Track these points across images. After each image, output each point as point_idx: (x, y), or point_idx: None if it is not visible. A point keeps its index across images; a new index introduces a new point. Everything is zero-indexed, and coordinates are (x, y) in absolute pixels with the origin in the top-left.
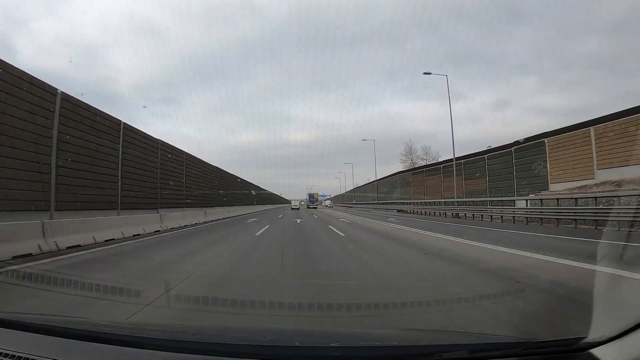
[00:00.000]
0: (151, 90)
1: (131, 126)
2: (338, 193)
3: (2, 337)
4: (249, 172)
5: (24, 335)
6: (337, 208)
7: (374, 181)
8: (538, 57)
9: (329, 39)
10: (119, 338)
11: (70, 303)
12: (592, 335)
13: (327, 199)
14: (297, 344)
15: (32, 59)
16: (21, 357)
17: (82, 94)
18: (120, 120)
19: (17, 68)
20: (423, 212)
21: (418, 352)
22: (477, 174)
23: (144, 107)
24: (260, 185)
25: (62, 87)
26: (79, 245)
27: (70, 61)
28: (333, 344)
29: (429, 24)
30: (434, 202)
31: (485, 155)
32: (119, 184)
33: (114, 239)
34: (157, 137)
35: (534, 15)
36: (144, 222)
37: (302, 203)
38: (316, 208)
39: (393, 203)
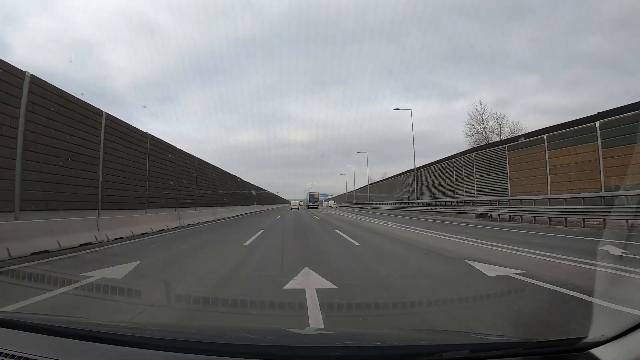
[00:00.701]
0: (150, 90)
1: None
2: (340, 193)
3: (2, 337)
4: (248, 172)
5: (24, 335)
6: (345, 209)
7: (408, 171)
8: (539, 55)
9: (328, 37)
10: (120, 338)
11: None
12: (592, 335)
13: (330, 199)
14: (297, 344)
15: (31, 58)
16: (21, 357)
17: (82, 94)
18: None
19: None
20: (547, 217)
21: (418, 352)
22: None
23: (144, 107)
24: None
25: (60, 86)
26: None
27: (70, 61)
28: (333, 344)
29: (429, 22)
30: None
31: None
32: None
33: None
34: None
35: (535, 13)
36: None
37: (302, 203)
38: (316, 208)
39: (461, 203)
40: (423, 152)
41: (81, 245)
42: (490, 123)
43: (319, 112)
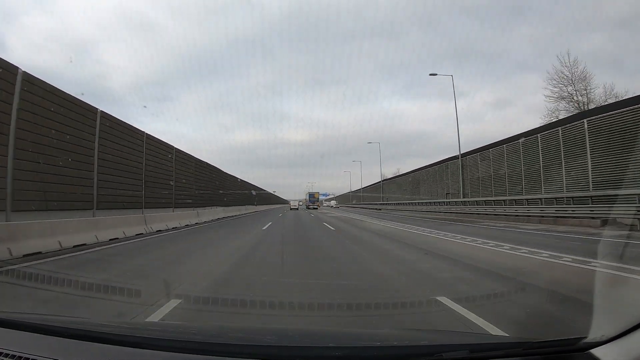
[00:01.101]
0: (150, 89)
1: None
2: (341, 192)
3: (2, 337)
4: (248, 172)
5: (24, 335)
6: (354, 211)
7: (447, 160)
8: (540, 54)
9: (328, 36)
10: (120, 338)
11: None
12: (592, 335)
13: (331, 199)
14: (297, 344)
15: (31, 58)
16: (21, 357)
17: (82, 94)
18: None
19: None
20: None
21: (418, 352)
22: None
23: (145, 107)
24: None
25: (60, 86)
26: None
27: (71, 61)
28: (333, 344)
29: (429, 21)
30: None
31: None
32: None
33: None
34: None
35: (535, 11)
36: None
37: (301, 203)
38: (316, 209)
39: (562, 200)
40: (421, 152)
41: None
42: (578, 86)
43: (318, 112)
